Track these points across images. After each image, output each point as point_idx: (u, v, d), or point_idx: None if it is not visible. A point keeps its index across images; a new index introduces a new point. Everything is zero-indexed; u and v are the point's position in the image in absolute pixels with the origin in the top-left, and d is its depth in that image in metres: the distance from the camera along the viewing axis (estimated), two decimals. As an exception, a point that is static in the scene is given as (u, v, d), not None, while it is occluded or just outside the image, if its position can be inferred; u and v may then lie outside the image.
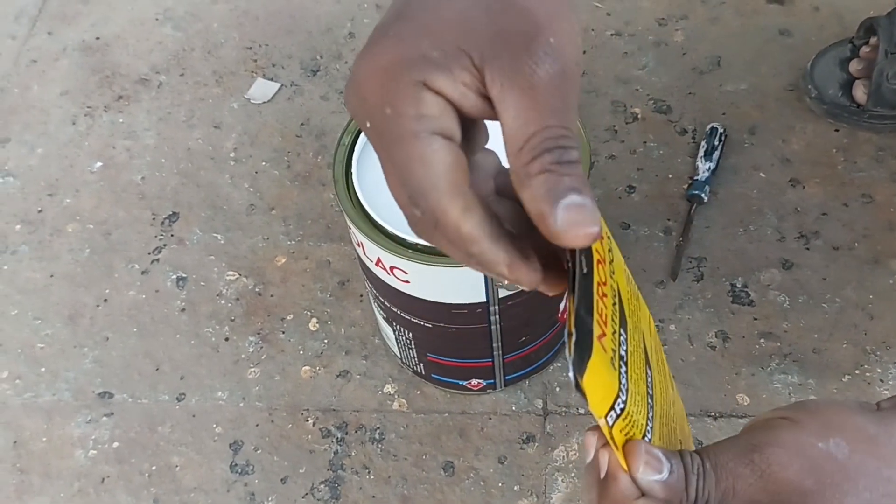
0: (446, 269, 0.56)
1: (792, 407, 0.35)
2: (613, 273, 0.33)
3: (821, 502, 0.32)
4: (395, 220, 0.57)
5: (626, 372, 0.32)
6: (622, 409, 0.31)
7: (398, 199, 0.30)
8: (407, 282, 0.59)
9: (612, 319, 0.32)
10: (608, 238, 0.34)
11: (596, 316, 0.30)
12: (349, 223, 0.59)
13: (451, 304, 0.60)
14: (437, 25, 0.27)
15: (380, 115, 0.28)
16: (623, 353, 0.32)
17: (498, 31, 0.27)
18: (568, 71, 0.28)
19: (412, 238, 0.56)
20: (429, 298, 0.60)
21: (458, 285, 0.59)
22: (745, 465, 0.32)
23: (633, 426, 0.32)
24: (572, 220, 0.27)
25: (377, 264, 0.59)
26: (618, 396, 0.31)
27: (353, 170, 0.60)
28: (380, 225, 0.57)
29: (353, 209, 0.58)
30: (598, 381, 0.30)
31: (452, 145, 0.28)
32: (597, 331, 0.30)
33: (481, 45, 0.27)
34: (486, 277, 0.58)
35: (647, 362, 0.36)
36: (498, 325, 0.63)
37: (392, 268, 0.58)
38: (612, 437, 0.31)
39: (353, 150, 0.61)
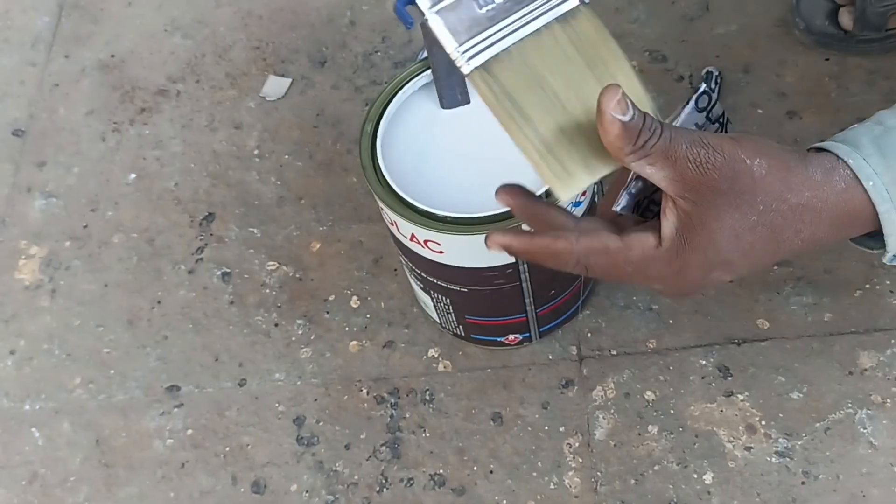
0: (477, 237, 0.61)
1: (738, 133, 0.43)
2: None
3: (724, 203, 0.40)
4: (423, 197, 0.62)
5: None
6: None
7: None
8: (441, 252, 0.64)
9: None
10: None
11: None
12: (381, 205, 0.64)
13: (483, 268, 0.65)
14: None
15: None
16: None
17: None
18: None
19: (442, 212, 0.61)
20: (463, 265, 0.65)
21: (488, 250, 0.64)
22: (696, 146, 0.40)
23: None
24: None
25: (412, 239, 0.64)
26: None
27: (379, 154, 0.65)
28: (411, 203, 0.62)
29: (384, 192, 0.63)
30: None
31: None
32: None
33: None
34: None
35: None
36: (528, 282, 0.68)
37: (426, 241, 0.63)
38: None
39: (376, 137, 0.65)
